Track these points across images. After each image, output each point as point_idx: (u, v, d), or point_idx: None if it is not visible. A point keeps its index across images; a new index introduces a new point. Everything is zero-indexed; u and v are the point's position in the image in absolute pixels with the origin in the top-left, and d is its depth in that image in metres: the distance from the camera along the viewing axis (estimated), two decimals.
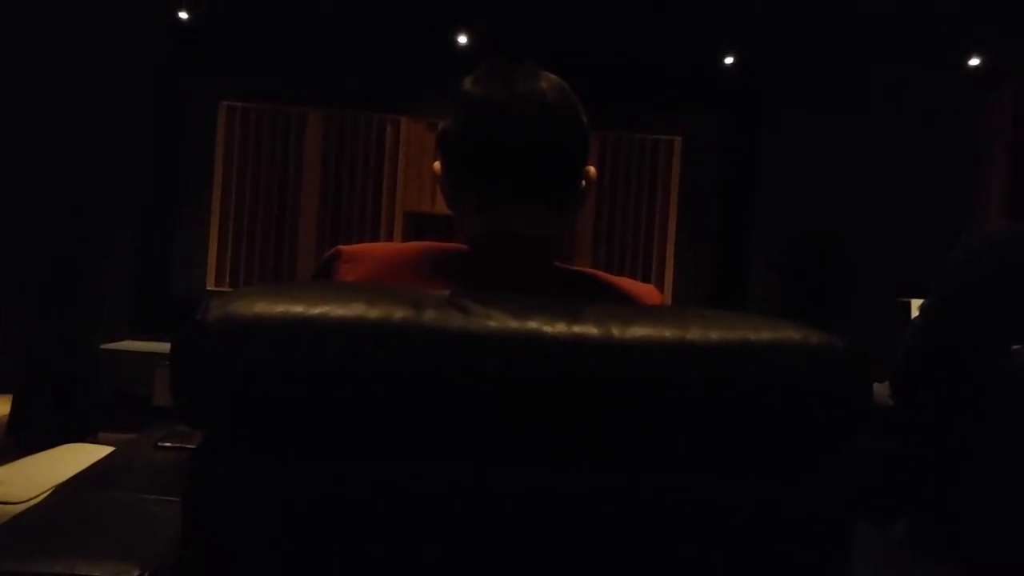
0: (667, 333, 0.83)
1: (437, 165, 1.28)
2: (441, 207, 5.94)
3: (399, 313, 0.81)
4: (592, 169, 1.29)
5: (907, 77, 5.49)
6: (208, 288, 5.87)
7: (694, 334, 0.83)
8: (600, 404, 0.81)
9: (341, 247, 1.20)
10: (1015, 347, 1.42)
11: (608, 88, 5.06)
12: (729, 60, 5.69)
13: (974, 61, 5.41)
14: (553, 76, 1.24)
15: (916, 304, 3.72)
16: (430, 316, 0.81)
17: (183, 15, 5.51)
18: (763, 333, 0.84)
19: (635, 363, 0.82)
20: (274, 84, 5.98)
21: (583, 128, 1.25)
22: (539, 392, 0.81)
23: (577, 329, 0.82)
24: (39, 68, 5.18)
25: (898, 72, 5.47)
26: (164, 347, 4.61)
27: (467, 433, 0.82)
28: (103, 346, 5.14)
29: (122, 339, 5.31)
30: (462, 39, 5.57)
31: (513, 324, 0.82)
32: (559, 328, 0.82)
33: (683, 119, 6.15)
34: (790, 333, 0.85)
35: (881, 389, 1.76)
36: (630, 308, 0.92)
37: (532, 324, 0.82)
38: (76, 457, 2.12)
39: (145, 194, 5.76)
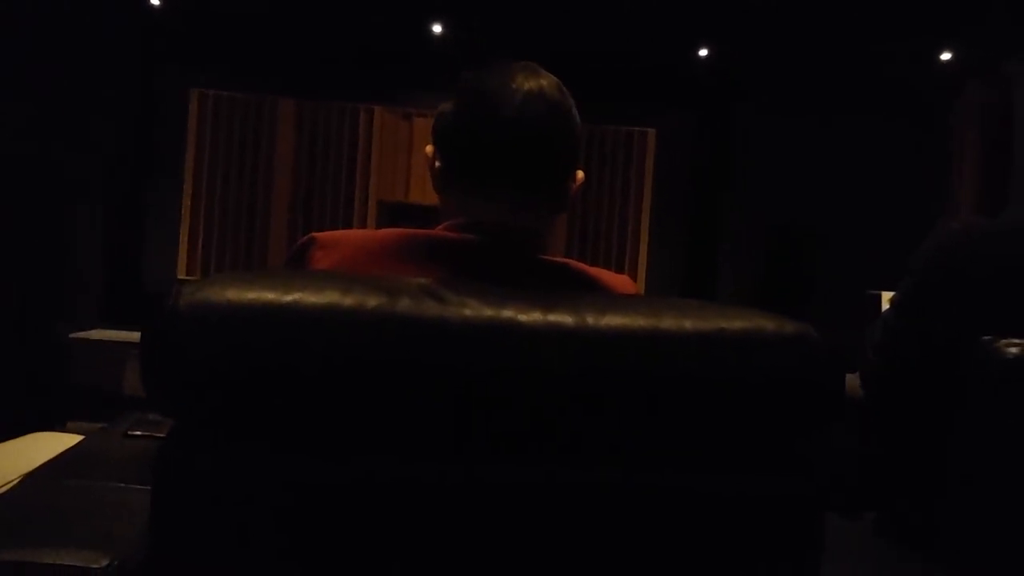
0: (641, 322, 0.83)
1: (429, 149, 1.30)
2: (415, 197, 5.92)
3: (373, 301, 0.80)
4: (581, 173, 1.31)
5: (880, 71, 5.52)
6: (179, 277, 5.82)
7: (668, 323, 0.83)
8: (573, 393, 0.81)
9: (315, 234, 1.19)
10: (985, 338, 1.43)
11: (582, 79, 5.06)
12: (704, 52, 5.70)
13: (946, 55, 5.45)
14: (552, 76, 1.26)
15: (886, 296, 3.75)
16: (404, 304, 0.81)
17: (155, 1, 5.45)
18: (736, 323, 0.84)
19: (609, 352, 0.82)
20: (246, 72, 5.92)
21: (576, 129, 1.27)
22: (514, 381, 0.81)
23: (552, 318, 0.82)
24: (6, 53, 5.10)
25: (871, 66, 5.50)
26: (134, 336, 4.56)
27: (441, 423, 0.81)
28: (72, 335, 5.09)
29: (92, 328, 5.26)
30: (437, 29, 5.55)
31: (488, 312, 0.81)
32: (534, 317, 0.82)
33: (657, 111, 6.16)
34: (763, 323, 0.85)
35: (852, 380, 1.77)
36: (605, 297, 0.92)
37: (507, 313, 0.82)
38: (44, 446, 2.10)
39: (115, 182, 5.70)
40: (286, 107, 5.99)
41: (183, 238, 5.93)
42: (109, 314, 5.50)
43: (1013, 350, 1.40)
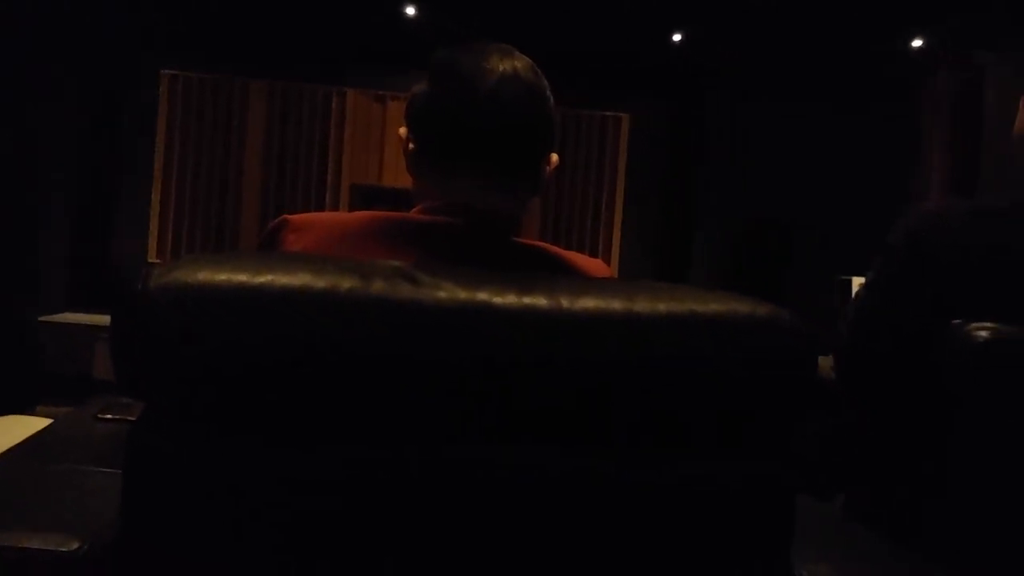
0: (616, 304, 0.83)
1: (403, 131, 1.29)
2: (388, 180, 5.89)
3: (346, 283, 0.80)
4: (555, 156, 1.30)
5: (852, 59, 5.54)
6: (149, 260, 5.77)
7: (642, 306, 0.83)
8: (548, 375, 0.81)
9: (287, 216, 1.18)
10: (956, 322, 1.44)
11: (556, 62, 5.04)
12: (677, 37, 5.70)
13: (917, 42, 5.47)
14: (526, 58, 1.26)
15: (857, 282, 3.78)
16: (378, 286, 0.80)
17: None
18: (710, 305, 0.85)
19: (583, 335, 0.82)
20: (217, 54, 5.86)
21: (551, 112, 1.26)
22: (487, 364, 0.80)
23: (527, 300, 0.82)
24: None
25: (844, 54, 5.52)
26: (104, 319, 4.53)
27: (415, 406, 0.81)
28: (41, 318, 5.04)
29: (61, 311, 5.21)
30: (410, 11, 5.51)
31: (462, 295, 0.81)
32: (509, 299, 0.81)
33: (631, 96, 6.16)
34: (737, 305, 0.85)
35: (824, 362, 1.79)
36: (579, 280, 0.92)
37: (482, 295, 0.81)
38: (13, 430, 2.08)
39: (84, 164, 5.63)
40: (257, 89, 5.94)
41: (153, 221, 5.87)
42: (78, 297, 5.45)
43: (983, 334, 1.41)
